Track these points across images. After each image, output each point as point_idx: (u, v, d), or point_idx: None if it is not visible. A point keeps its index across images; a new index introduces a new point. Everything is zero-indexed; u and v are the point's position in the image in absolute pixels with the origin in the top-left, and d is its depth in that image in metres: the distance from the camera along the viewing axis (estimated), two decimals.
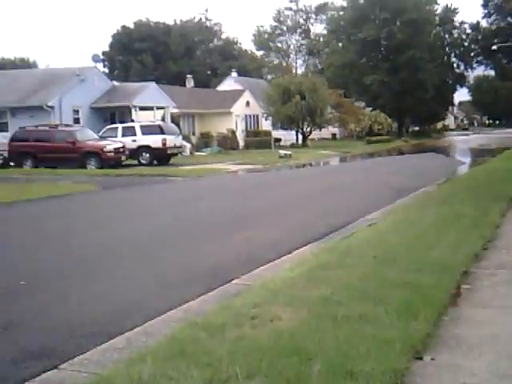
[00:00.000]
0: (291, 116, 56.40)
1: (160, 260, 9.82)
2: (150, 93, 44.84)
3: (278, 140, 61.24)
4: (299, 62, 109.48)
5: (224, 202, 18.48)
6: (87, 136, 34.43)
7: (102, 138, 35.68)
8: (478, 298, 6.55)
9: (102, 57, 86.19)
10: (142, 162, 35.94)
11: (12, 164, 34.58)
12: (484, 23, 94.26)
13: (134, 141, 36.02)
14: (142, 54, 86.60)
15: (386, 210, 14.61)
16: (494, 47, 73.90)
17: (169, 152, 36.62)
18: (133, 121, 39.93)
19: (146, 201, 19.84)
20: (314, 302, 6.11)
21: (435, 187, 20.03)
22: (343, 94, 75.71)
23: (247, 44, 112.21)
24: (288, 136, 62.60)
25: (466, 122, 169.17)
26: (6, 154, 34.65)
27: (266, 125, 62.56)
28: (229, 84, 70.34)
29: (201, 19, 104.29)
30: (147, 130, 36.53)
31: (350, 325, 5.32)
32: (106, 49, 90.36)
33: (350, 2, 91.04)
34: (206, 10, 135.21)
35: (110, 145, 33.63)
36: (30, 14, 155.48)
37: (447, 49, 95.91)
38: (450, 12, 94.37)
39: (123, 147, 34.04)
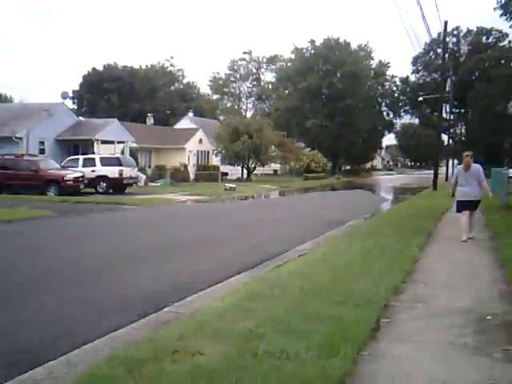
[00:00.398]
0: (238, 153, 56.03)
1: (95, 285, 9.10)
2: (112, 128, 43.97)
3: (225, 174, 60.76)
4: (249, 105, 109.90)
5: (168, 230, 17.75)
6: (49, 165, 33.39)
7: (64, 167, 34.71)
8: (397, 332, 6.09)
9: (71, 95, 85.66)
10: (99, 190, 35.00)
11: None
12: (412, 78, 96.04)
13: (94, 171, 35.12)
14: (109, 93, 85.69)
15: (316, 242, 14.13)
16: (420, 98, 75.13)
17: (125, 182, 35.76)
18: (93, 153, 39.00)
19: (97, 227, 18.97)
20: (238, 335, 5.57)
21: (362, 221, 19.72)
22: (286, 134, 75.83)
23: (204, 88, 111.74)
24: (234, 171, 62.34)
25: (391, 163, 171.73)
26: None
27: (215, 160, 62.08)
28: (185, 123, 69.82)
29: (164, 65, 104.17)
30: (106, 161, 35.70)
31: (270, 361, 4.79)
32: (77, 88, 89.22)
33: (296, 55, 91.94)
34: (172, 57, 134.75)
35: (71, 174, 32.67)
36: (11, 55, 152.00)
37: (379, 99, 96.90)
38: (383, 66, 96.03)
39: (82, 177, 33.10)
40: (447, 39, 54.70)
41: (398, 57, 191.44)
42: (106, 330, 6.39)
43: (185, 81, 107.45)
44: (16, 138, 38.10)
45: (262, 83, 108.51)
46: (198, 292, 8.43)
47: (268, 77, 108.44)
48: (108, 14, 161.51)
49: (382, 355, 5.31)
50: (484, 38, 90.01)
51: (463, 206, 13.29)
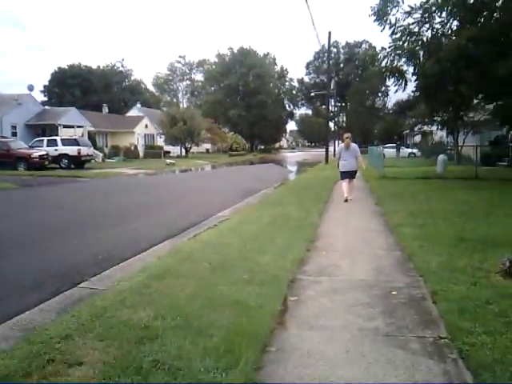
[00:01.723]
0: (176, 136, 53.40)
1: (14, 259, 6.99)
2: (71, 115, 40.51)
3: (168, 152, 58.07)
4: (185, 99, 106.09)
5: (110, 199, 15.58)
6: (19, 146, 30.10)
7: (32, 147, 31.47)
8: (305, 314, 4.34)
9: (42, 89, 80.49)
10: (62, 165, 31.98)
11: None
12: (306, 79, 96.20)
13: (56, 150, 32.00)
14: (73, 87, 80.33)
15: (236, 208, 12.40)
16: (312, 94, 74.40)
17: (83, 159, 32.76)
18: (57, 135, 35.70)
19: (48, 198, 16.53)
20: (129, 333, 3.66)
21: (272, 190, 18.06)
22: (215, 122, 73.78)
23: (150, 85, 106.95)
24: (175, 150, 59.55)
25: (293, 143, 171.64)
26: None
27: (160, 141, 59.07)
28: (134, 112, 66.09)
29: (115, 65, 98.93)
30: (66, 142, 32.59)
31: (156, 377, 2.94)
32: (46, 83, 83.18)
33: (219, 59, 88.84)
34: (123, 59, 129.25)
35: (36, 152, 29.56)
36: None
37: (282, 95, 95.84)
38: (283, 71, 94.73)
39: (46, 155, 30.03)
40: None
41: (296, 60, 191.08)
42: (13, 312, 4.54)
43: (133, 78, 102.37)
44: None
45: (194, 82, 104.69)
46: (119, 263, 6.58)
47: (198, 77, 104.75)
48: (73, 20, 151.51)
49: (291, 350, 3.56)
50: (356, 49, 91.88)
51: (345, 175, 13.31)
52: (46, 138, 33.09)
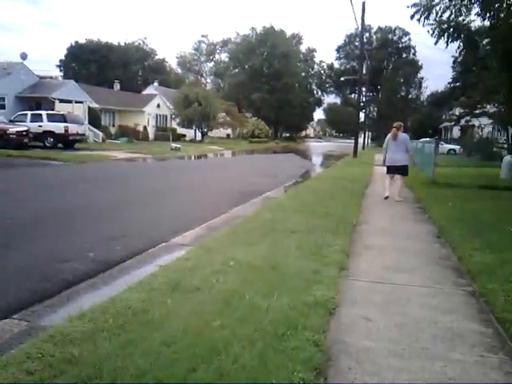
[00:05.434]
0: (190, 118, 48.78)
1: None
2: (68, 88, 36.04)
3: (183, 136, 53.75)
4: (208, 81, 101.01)
5: (67, 195, 11.12)
6: None
7: (13, 121, 27.23)
8: None
9: (58, 63, 76.51)
10: (47, 144, 27.73)
11: None
12: (336, 64, 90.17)
13: (41, 126, 27.72)
14: (90, 63, 76.27)
15: (198, 235, 7.79)
16: (342, 79, 68.67)
17: (71, 138, 28.41)
18: (52, 110, 31.41)
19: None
20: None
21: (279, 192, 13.29)
22: (237, 106, 69.06)
23: (173, 64, 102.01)
24: (192, 133, 54.97)
25: (320, 133, 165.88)
26: None
27: (174, 124, 54.47)
28: (150, 91, 61.48)
29: (139, 44, 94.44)
30: (53, 117, 28.26)
31: None
32: (63, 58, 79.25)
33: (242, 40, 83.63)
34: (145, 38, 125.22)
35: (13, 128, 25.24)
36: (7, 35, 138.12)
37: (310, 79, 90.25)
38: (310, 51, 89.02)
39: (26, 131, 25.69)
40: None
41: (325, 45, 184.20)
42: None
43: (157, 58, 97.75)
44: None
45: (219, 63, 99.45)
46: None
47: (223, 57, 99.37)
48: None
49: None
50: (390, 35, 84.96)
51: (391, 169, 11.92)
52: (29, 112, 28.81)
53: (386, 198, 11.59)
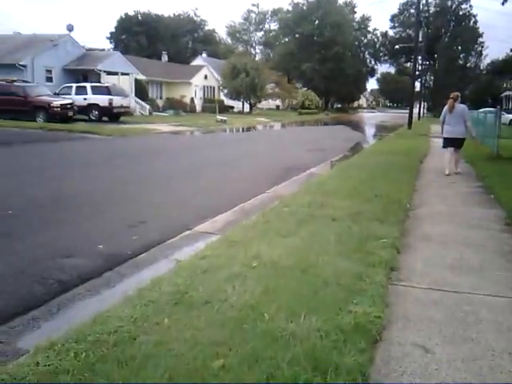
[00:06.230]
0: (237, 89, 47.72)
1: None
2: (114, 60, 35.65)
3: (231, 107, 53.03)
4: (258, 51, 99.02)
5: (100, 171, 10.59)
6: (39, 92, 25.60)
7: (58, 94, 27.08)
8: None
9: (109, 35, 76.58)
10: (92, 118, 27.50)
11: None
12: (390, 33, 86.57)
13: (85, 99, 27.47)
14: (140, 35, 76.06)
15: (230, 221, 7.05)
16: (397, 47, 65.54)
17: (115, 111, 27.99)
18: (99, 83, 31.19)
19: (23, 159, 11.67)
20: None
21: (326, 167, 12.27)
22: (287, 76, 67.29)
23: (223, 34, 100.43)
24: (240, 104, 53.97)
25: (374, 103, 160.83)
26: None
27: (222, 95, 53.56)
28: (198, 62, 60.67)
29: (189, 15, 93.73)
30: (97, 90, 27.94)
31: None
32: (113, 30, 79.50)
33: (294, 7, 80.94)
34: (196, 9, 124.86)
35: (57, 101, 24.99)
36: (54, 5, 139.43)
37: (363, 48, 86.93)
38: (365, 19, 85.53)
39: (71, 104, 25.44)
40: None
41: (380, 13, 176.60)
42: None
43: (206, 29, 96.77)
44: (19, 65, 30.16)
45: (268, 32, 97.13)
46: None
47: (273, 26, 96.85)
48: None
49: None
50: (449, 2, 79.72)
51: (448, 142, 11.05)
52: (74, 85, 28.59)
53: (448, 175, 10.79)
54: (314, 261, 4.26)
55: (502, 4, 12.06)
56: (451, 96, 11.01)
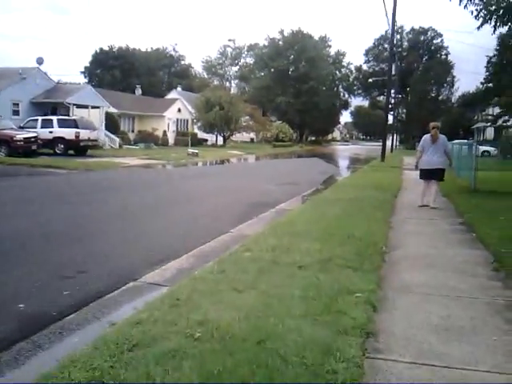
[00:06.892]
0: (211, 122, 47.25)
1: None
2: (85, 93, 34.73)
3: (205, 140, 52.39)
4: (233, 84, 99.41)
5: (54, 209, 9.54)
6: (3, 125, 24.60)
7: (23, 128, 26.06)
8: None
9: (83, 70, 76.05)
10: (58, 151, 26.47)
11: None
12: (364, 67, 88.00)
13: (51, 132, 26.49)
14: (114, 69, 75.59)
15: (179, 269, 6.09)
16: (370, 80, 66.54)
17: (82, 144, 27.04)
18: (68, 115, 30.29)
19: None
20: None
21: (297, 203, 11.52)
22: (262, 109, 67.32)
23: (200, 69, 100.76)
24: (214, 137, 53.42)
25: (347, 135, 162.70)
26: None
27: (196, 128, 52.97)
28: (172, 95, 60.32)
29: (167, 49, 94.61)
30: (63, 123, 27.00)
31: None
32: (87, 65, 78.93)
33: (269, 43, 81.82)
34: (176, 44, 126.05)
35: (21, 134, 24.04)
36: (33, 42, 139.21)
37: (337, 82, 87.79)
38: (339, 55, 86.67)
39: (35, 137, 24.49)
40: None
41: (353, 48, 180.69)
42: None
43: (183, 63, 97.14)
44: None
45: (244, 67, 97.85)
46: None
47: (248, 61, 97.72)
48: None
49: None
50: (422, 37, 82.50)
51: (427, 174, 10.58)
52: (40, 118, 27.56)
53: (421, 206, 10.55)
54: (273, 327, 3.45)
55: (479, 28, 11.77)
56: (433, 125, 10.68)
